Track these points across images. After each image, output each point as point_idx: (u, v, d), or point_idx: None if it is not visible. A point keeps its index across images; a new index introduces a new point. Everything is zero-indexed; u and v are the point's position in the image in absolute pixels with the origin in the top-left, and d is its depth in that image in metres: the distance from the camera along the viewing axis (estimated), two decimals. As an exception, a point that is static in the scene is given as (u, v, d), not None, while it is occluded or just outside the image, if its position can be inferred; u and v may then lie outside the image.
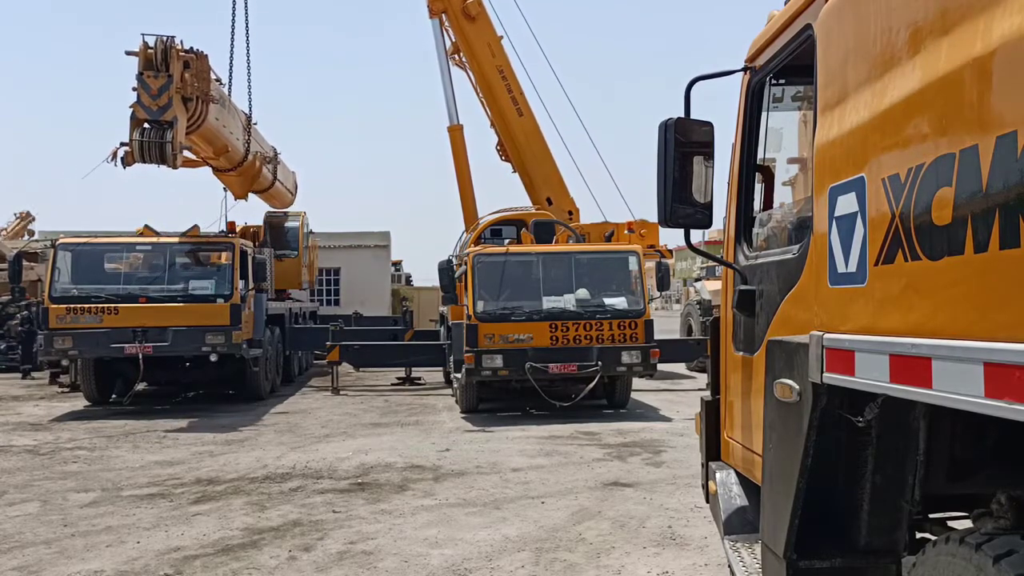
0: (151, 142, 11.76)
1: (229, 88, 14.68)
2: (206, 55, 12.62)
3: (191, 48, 12.40)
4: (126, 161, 12.15)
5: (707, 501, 4.35)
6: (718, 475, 4.08)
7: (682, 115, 3.57)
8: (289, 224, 19.38)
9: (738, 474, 3.99)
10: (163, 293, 13.14)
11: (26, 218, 31.58)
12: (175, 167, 12.36)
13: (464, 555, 5.75)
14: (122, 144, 12.19)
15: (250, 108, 15.94)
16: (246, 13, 15.43)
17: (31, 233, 29.50)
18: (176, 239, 13.90)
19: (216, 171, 16.27)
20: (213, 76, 12.96)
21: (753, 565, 3.49)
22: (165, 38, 12.01)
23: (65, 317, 12.57)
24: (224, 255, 13.61)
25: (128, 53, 12.02)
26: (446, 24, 18.11)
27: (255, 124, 16.34)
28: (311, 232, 20.62)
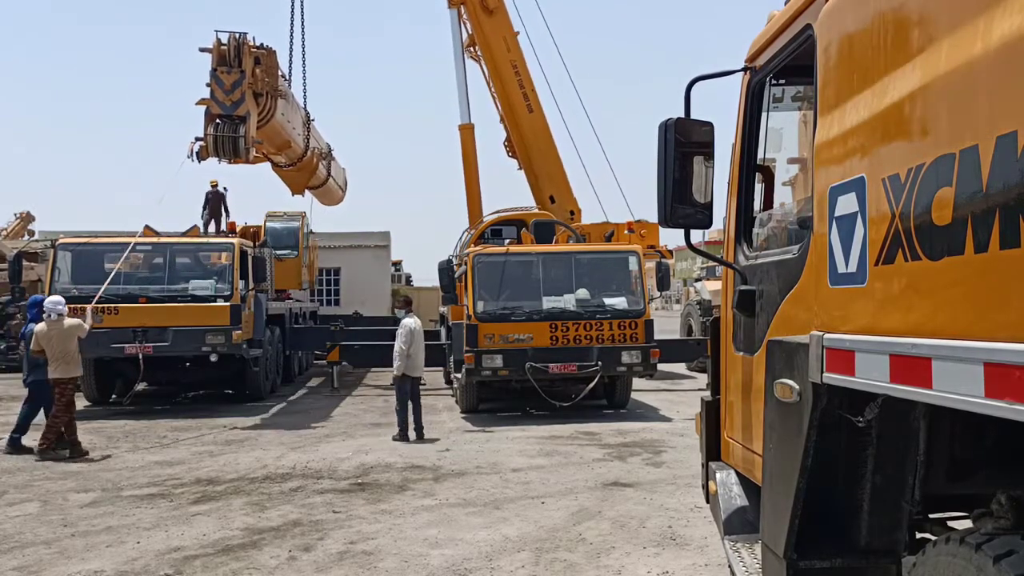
0: (225, 136, 11.97)
1: (289, 83, 14.85)
2: (274, 51, 12.88)
3: (261, 44, 12.60)
4: (201, 156, 12.36)
5: (707, 501, 4.35)
6: (718, 475, 4.08)
7: (682, 115, 3.57)
8: (288, 223, 19.42)
9: (738, 474, 3.99)
10: (163, 293, 13.14)
11: (26, 218, 31.53)
12: (248, 161, 12.65)
13: (464, 555, 5.75)
14: (197, 139, 12.41)
15: (305, 104, 16.18)
16: (302, 12, 15.88)
17: (31, 233, 29.44)
18: (176, 239, 13.90)
19: (275, 167, 16.53)
20: (280, 72, 13.07)
21: (753, 565, 3.49)
22: (238, 34, 12.26)
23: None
24: (224, 255, 13.61)
25: (202, 50, 12.25)
26: (464, 16, 18.12)
27: (312, 121, 16.48)
28: (311, 232, 20.62)
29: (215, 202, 16.83)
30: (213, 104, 11.94)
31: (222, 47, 12.09)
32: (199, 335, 12.77)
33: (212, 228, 16.47)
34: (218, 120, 12.01)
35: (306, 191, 18.82)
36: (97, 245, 13.92)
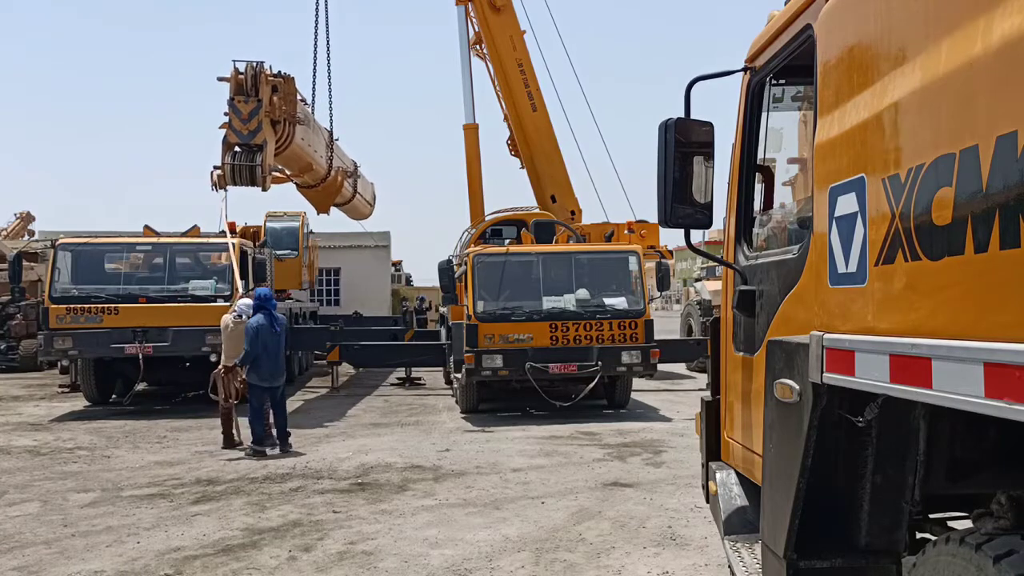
0: (242, 165, 12.09)
1: (313, 106, 14.88)
2: (292, 78, 12.93)
3: (279, 72, 12.68)
4: (218, 184, 12.44)
5: (707, 501, 4.35)
6: (718, 475, 4.08)
7: (682, 115, 3.57)
8: (288, 223, 19.44)
9: (738, 474, 3.99)
10: (163, 293, 13.14)
11: (26, 218, 31.60)
12: (265, 189, 12.74)
13: (464, 555, 5.75)
14: (215, 168, 12.53)
15: (331, 124, 16.33)
16: (328, 36, 15.85)
17: (31, 233, 29.49)
18: (176, 239, 13.91)
19: (299, 187, 16.72)
20: (298, 97, 13.15)
21: (753, 565, 3.49)
22: (255, 64, 12.31)
23: (65, 317, 12.56)
24: (224, 255, 13.61)
25: (220, 79, 12.33)
26: (471, 14, 18.13)
27: (337, 140, 16.55)
28: (311, 232, 20.63)
29: None
30: (231, 133, 12.00)
31: (239, 76, 12.13)
32: (199, 335, 12.74)
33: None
34: (236, 148, 12.08)
35: (332, 208, 18.99)
36: (97, 245, 13.91)
